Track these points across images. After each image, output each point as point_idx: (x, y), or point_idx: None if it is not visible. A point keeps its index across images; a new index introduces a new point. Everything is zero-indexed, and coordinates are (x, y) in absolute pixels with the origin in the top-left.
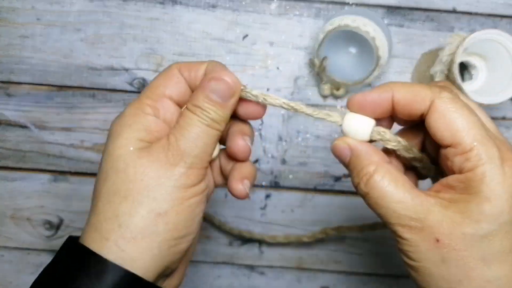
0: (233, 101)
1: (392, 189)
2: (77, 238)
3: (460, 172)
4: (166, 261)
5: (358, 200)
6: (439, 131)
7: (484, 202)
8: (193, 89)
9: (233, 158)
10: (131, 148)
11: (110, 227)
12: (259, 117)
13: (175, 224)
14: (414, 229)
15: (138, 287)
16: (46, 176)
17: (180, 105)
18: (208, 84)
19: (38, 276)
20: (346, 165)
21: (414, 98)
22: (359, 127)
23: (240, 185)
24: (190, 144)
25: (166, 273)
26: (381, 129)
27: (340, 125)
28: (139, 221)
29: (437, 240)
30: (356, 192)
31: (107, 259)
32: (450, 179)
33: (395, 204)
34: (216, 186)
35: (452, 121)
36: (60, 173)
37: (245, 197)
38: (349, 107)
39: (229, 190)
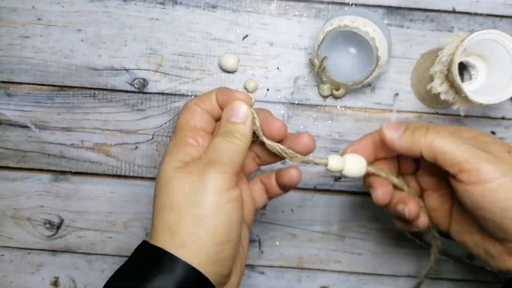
0: (246, 117)
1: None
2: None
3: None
4: (214, 268)
5: (358, 199)
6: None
7: None
8: (213, 116)
9: (272, 138)
10: (172, 168)
11: (164, 236)
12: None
13: (215, 229)
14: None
15: (203, 285)
16: (46, 176)
17: (211, 133)
18: (224, 114)
19: (116, 271)
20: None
21: (412, 144)
22: (357, 166)
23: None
24: (217, 153)
25: (218, 281)
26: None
27: (326, 166)
28: (186, 228)
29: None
30: (355, 192)
31: (177, 256)
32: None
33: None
34: (261, 205)
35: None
36: (60, 173)
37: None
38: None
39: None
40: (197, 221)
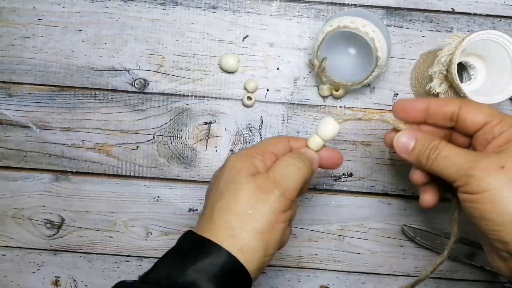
0: (316, 163)
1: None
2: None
3: (499, 134)
4: (257, 274)
5: (357, 199)
6: (468, 118)
7: None
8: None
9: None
10: (244, 174)
11: (225, 234)
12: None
13: (268, 243)
14: (479, 167)
15: (242, 274)
16: (47, 176)
17: (277, 156)
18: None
19: (165, 254)
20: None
21: (445, 105)
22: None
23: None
24: (283, 177)
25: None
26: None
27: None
28: (246, 236)
29: (502, 167)
30: (355, 191)
31: (220, 245)
32: (489, 146)
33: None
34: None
35: (480, 110)
36: (61, 173)
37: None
38: (395, 113)
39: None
40: (256, 233)
